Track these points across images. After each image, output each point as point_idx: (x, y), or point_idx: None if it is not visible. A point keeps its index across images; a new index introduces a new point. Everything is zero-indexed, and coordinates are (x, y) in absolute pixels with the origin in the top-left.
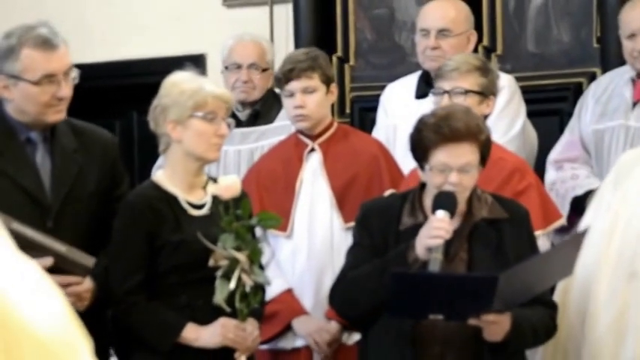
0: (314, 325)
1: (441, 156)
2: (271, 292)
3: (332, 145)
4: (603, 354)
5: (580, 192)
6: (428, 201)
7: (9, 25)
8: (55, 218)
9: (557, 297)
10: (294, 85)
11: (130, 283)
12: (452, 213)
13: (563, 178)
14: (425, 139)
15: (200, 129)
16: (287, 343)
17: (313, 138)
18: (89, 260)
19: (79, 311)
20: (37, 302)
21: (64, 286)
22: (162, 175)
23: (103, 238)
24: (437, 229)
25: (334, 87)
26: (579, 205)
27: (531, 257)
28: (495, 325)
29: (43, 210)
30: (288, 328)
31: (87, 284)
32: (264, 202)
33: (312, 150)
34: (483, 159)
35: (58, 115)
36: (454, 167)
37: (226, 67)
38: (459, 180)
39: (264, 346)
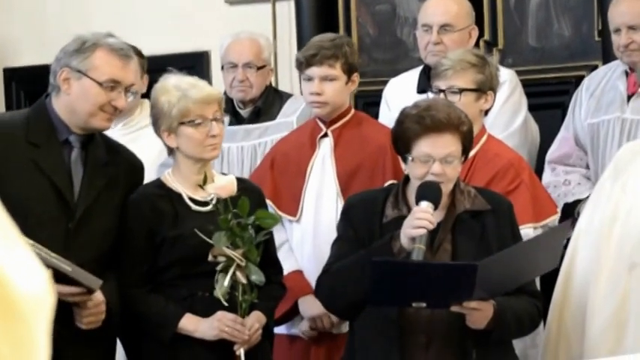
0: (317, 309)
1: (424, 146)
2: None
3: (344, 132)
4: (605, 343)
5: (570, 199)
6: (411, 193)
7: (10, 20)
8: (78, 222)
9: (558, 287)
10: (314, 71)
11: (132, 276)
12: (436, 204)
13: (556, 182)
14: (407, 131)
15: (190, 135)
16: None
17: (328, 124)
18: (95, 282)
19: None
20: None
21: (72, 295)
22: (169, 173)
23: (115, 254)
24: (420, 219)
25: (356, 76)
26: (570, 211)
27: (511, 246)
28: (478, 312)
29: (69, 211)
30: (297, 309)
31: (98, 297)
32: (278, 186)
33: (325, 135)
34: (465, 151)
35: (106, 122)
36: (437, 158)
37: (223, 67)
38: (442, 170)
39: (282, 330)
